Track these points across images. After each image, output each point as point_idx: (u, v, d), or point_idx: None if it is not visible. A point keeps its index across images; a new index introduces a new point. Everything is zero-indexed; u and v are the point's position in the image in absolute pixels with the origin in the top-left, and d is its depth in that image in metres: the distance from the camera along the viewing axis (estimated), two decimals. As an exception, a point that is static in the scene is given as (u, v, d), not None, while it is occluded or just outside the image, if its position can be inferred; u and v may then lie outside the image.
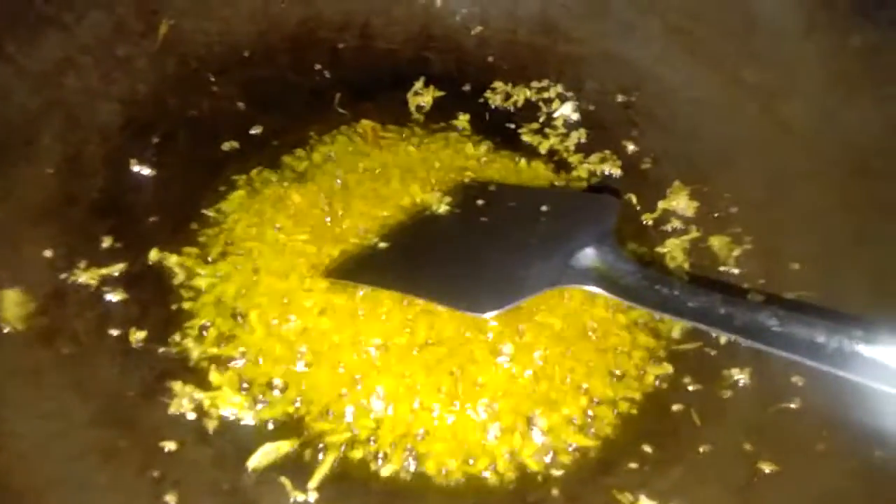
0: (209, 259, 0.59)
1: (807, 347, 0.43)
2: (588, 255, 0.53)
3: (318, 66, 0.75)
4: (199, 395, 0.51)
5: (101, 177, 0.61)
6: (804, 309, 0.50)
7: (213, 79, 0.72)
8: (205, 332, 0.55)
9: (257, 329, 0.55)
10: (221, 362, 0.53)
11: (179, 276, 0.57)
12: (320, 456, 0.50)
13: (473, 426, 0.51)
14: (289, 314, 0.55)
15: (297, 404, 0.52)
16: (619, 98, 0.75)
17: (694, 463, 0.50)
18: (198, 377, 0.52)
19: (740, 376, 0.55)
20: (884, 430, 0.48)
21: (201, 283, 0.57)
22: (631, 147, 0.71)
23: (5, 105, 0.60)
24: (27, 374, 0.49)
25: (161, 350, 0.53)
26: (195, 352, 0.53)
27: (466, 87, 0.74)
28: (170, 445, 0.48)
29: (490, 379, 0.53)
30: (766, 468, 0.49)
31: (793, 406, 0.52)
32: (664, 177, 0.68)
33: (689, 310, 0.48)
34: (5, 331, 0.50)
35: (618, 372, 0.55)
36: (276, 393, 0.52)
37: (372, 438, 0.51)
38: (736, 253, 0.63)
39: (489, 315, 0.52)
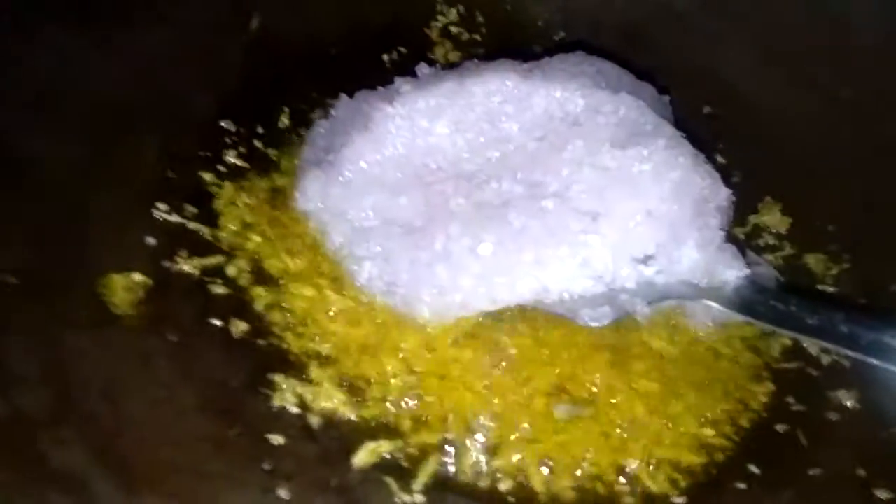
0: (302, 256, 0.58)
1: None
2: (699, 268, 0.52)
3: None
4: (302, 389, 0.50)
5: (197, 167, 0.61)
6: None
7: (301, 74, 0.72)
8: (302, 328, 0.54)
9: (348, 328, 0.54)
10: (321, 358, 0.52)
11: (272, 269, 0.57)
12: (423, 459, 0.49)
13: (580, 443, 0.51)
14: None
15: (396, 406, 0.51)
16: (706, 110, 0.74)
17: (805, 486, 0.49)
18: (299, 371, 0.52)
19: (847, 399, 0.54)
20: None
21: (295, 279, 0.57)
22: (720, 159, 0.70)
23: (110, 95, 0.60)
24: (139, 359, 0.49)
25: (261, 342, 0.53)
26: (295, 346, 0.53)
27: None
28: (277, 439, 0.48)
29: (597, 396, 0.52)
30: (883, 495, 0.48)
31: (906, 432, 0.51)
32: (755, 191, 0.67)
33: (809, 327, 0.47)
34: (116, 314, 0.50)
35: (721, 390, 0.54)
36: (376, 392, 0.52)
37: (472, 447, 0.50)
38: (833, 272, 0.62)
39: (598, 325, 0.51)
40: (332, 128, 0.64)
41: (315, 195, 0.59)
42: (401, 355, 0.53)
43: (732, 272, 0.51)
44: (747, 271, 0.51)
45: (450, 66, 0.72)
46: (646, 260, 0.52)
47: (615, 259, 0.51)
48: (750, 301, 0.50)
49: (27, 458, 0.41)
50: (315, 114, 0.69)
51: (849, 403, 0.53)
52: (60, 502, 0.40)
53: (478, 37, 0.78)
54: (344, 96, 0.65)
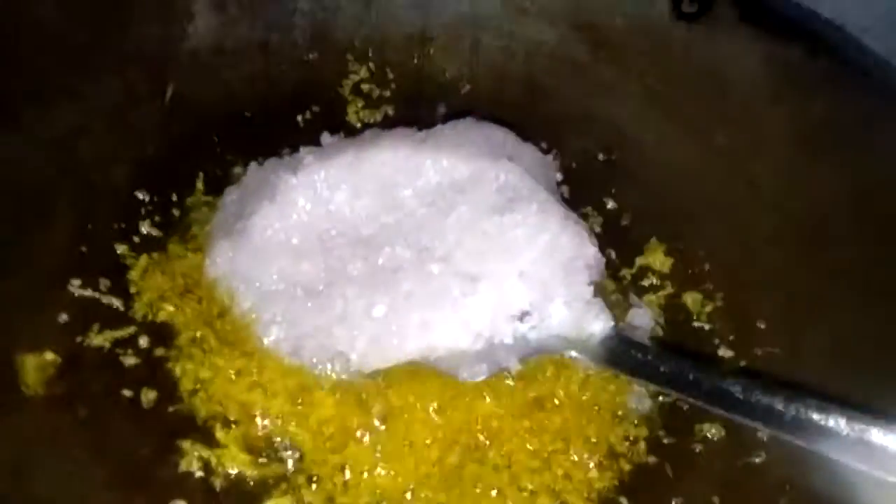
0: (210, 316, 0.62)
1: (766, 415, 0.47)
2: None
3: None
4: (207, 453, 0.54)
5: (112, 240, 0.65)
6: (770, 373, 0.55)
7: (216, 139, 0.75)
8: (210, 393, 0.58)
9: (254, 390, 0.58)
10: (227, 421, 0.56)
11: (184, 337, 0.61)
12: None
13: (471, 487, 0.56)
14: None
15: (297, 464, 0.56)
16: (601, 156, 0.79)
17: (666, 516, 0.54)
18: (206, 436, 0.56)
19: (711, 431, 0.59)
20: (844, 488, 0.52)
21: (204, 346, 0.61)
22: (611, 204, 0.75)
23: (21, 174, 0.63)
24: (48, 438, 0.52)
25: (171, 409, 0.56)
26: (202, 410, 0.57)
27: (456, 145, 0.78)
28: (180, 504, 0.52)
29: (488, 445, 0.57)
30: (733, 521, 0.53)
31: (758, 460, 0.56)
32: (642, 233, 0.73)
33: (661, 375, 0.53)
34: (26, 395, 0.54)
35: (604, 428, 0.59)
36: (278, 451, 0.56)
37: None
38: (708, 309, 0.68)
39: (471, 379, 0.56)
40: (242, 195, 0.68)
41: (224, 262, 0.63)
42: (304, 415, 0.57)
43: (598, 325, 0.57)
44: (611, 324, 0.57)
45: (357, 131, 0.76)
46: (522, 317, 0.57)
47: (493, 318, 0.56)
48: (613, 353, 0.55)
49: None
50: (236, 178, 0.72)
51: (712, 435, 0.59)
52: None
53: (388, 93, 0.83)
54: (253, 165, 0.69)
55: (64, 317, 0.59)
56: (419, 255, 0.59)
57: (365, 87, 0.83)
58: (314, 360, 0.58)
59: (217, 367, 0.59)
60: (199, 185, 0.71)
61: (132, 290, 0.62)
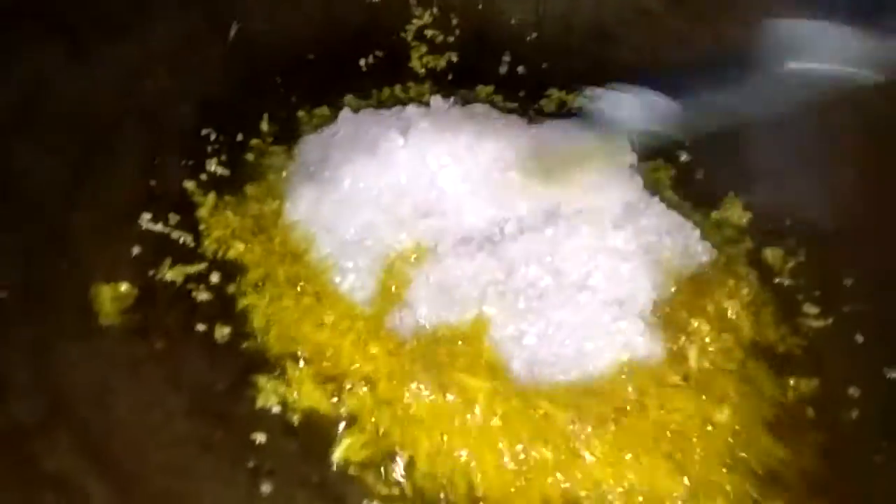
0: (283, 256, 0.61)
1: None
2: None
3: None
4: (283, 389, 0.53)
5: (180, 177, 0.64)
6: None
7: (279, 80, 0.74)
8: (283, 331, 0.57)
9: (328, 330, 0.57)
10: (301, 359, 0.55)
11: (254, 275, 0.60)
12: (399, 452, 0.52)
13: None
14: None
15: (371, 402, 0.54)
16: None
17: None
18: (280, 371, 0.55)
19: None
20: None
21: (276, 284, 0.59)
22: (684, 157, 0.72)
23: (90, 108, 0.62)
24: (127, 366, 0.52)
25: (244, 345, 0.55)
26: (275, 347, 0.56)
27: (521, 94, 0.75)
28: (260, 437, 0.51)
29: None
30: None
31: (852, 417, 0.54)
32: (717, 187, 0.70)
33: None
34: (104, 325, 0.53)
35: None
36: (353, 390, 0.55)
37: (447, 445, 0.53)
38: (790, 265, 0.65)
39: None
40: (329, 141, 0.65)
41: (307, 207, 0.61)
42: (376, 357, 0.56)
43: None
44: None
45: (420, 77, 0.74)
46: None
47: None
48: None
49: (22, 463, 0.44)
50: (300, 121, 0.70)
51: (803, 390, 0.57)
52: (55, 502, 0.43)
53: (451, 38, 0.80)
54: (346, 111, 0.66)
55: (136, 250, 0.58)
56: (557, 279, 0.57)
57: (428, 32, 0.80)
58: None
59: (286, 306, 0.58)
60: (264, 126, 0.70)
61: (201, 227, 0.61)
